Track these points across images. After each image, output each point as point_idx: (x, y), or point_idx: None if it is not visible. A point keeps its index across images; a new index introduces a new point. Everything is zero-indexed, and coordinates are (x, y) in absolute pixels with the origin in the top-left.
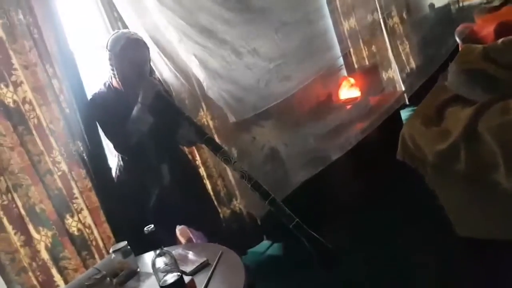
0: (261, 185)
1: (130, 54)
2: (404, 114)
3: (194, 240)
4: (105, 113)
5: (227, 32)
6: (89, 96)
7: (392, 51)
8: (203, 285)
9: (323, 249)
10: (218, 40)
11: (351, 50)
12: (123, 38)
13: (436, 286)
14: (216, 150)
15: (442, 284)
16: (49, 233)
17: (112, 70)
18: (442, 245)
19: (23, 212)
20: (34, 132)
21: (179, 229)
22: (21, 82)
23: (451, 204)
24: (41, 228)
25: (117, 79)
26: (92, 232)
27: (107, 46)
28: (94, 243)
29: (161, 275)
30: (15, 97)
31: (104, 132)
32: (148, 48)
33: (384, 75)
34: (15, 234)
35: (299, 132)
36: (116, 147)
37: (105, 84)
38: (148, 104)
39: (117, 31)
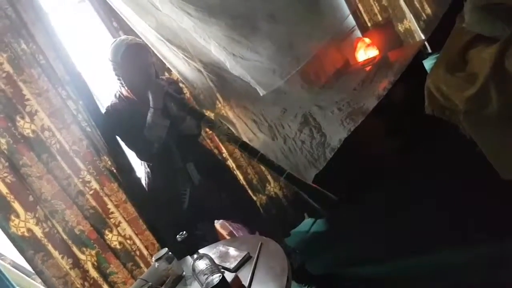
0: (248, 144)
1: (132, 60)
2: (428, 63)
3: (235, 232)
4: (121, 124)
5: (240, 4)
6: (103, 111)
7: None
8: (248, 279)
9: (325, 199)
10: (231, 17)
11: (361, 8)
12: (122, 45)
13: (485, 232)
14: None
15: (490, 229)
16: (93, 252)
17: (119, 79)
18: (486, 191)
19: (64, 236)
20: (58, 157)
21: (219, 224)
22: (36, 111)
23: (490, 148)
24: (84, 249)
25: (126, 88)
26: (134, 243)
27: (108, 56)
28: (137, 253)
29: (203, 278)
30: (33, 127)
31: (124, 143)
32: (150, 51)
33: (401, 27)
34: (62, 258)
35: (329, 91)
36: (138, 156)
37: (115, 95)
38: (161, 107)
39: (115, 40)
